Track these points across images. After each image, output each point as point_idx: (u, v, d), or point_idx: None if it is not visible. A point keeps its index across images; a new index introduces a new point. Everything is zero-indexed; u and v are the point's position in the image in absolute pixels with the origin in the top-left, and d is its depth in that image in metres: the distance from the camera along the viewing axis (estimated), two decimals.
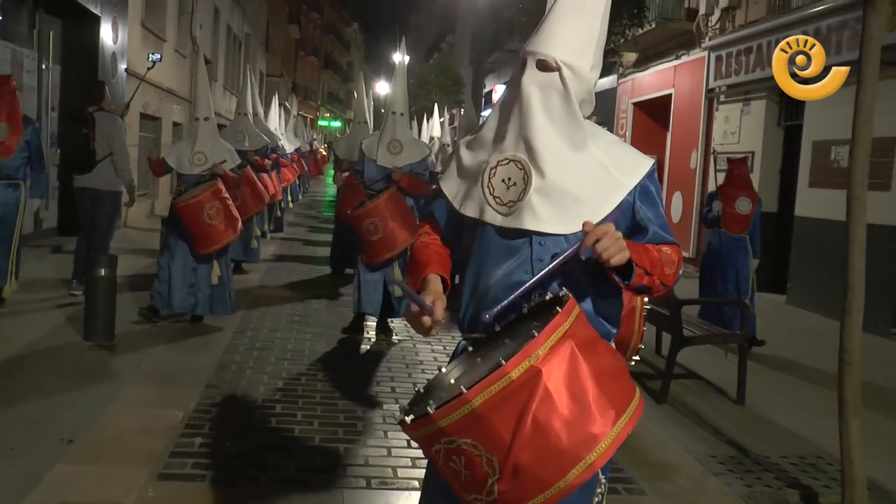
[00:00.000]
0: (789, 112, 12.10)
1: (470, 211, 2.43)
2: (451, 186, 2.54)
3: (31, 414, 4.89)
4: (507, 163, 2.34)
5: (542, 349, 1.88)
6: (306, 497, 4.10)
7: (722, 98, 13.74)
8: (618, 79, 18.37)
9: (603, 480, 2.25)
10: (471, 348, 2.30)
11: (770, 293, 11.21)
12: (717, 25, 13.90)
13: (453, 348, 2.61)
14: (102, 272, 6.59)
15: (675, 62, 15.52)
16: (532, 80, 2.31)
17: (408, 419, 1.94)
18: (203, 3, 22.02)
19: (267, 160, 11.32)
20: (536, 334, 1.88)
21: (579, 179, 2.32)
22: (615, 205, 2.33)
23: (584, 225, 2.17)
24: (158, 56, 12.68)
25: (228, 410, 5.30)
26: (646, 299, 3.87)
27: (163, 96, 17.78)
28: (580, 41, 2.33)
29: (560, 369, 1.89)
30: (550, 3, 2.39)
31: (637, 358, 4.00)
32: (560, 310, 1.96)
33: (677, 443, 5.37)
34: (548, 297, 2.18)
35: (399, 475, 4.45)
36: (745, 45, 12.76)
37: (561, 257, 2.20)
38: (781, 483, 4.81)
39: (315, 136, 39.61)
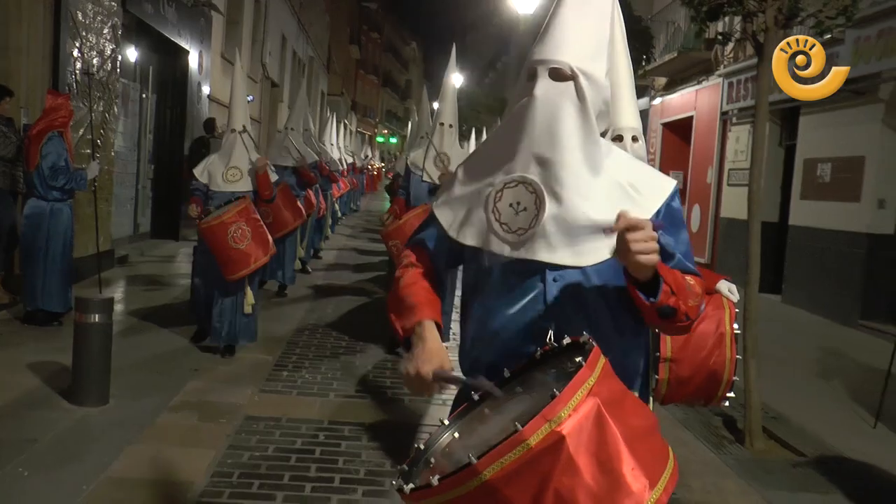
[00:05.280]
0: (789, 133, 13.65)
1: (470, 239, 2.16)
2: (446, 213, 2.25)
3: (163, 353, 6.86)
4: (516, 185, 2.07)
5: (565, 410, 1.62)
6: (368, 407, 5.93)
7: (734, 120, 15.32)
8: (649, 101, 20.02)
9: None
10: (476, 397, 1.99)
11: (769, 293, 12.73)
12: (731, 55, 15.50)
13: None
14: None
15: (697, 87, 17.14)
16: (545, 91, 2.05)
17: (406, 489, 1.71)
18: (272, 32, 24.23)
19: (314, 175, 10.67)
20: (557, 393, 1.62)
21: (598, 204, 2.03)
22: None
23: (618, 217, 1.87)
24: (251, 97, 14.74)
25: (304, 357, 7.20)
26: (735, 325, 3.56)
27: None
28: (593, 45, 2.09)
29: (585, 433, 1.65)
30: (553, 6, 2.17)
31: (732, 395, 3.66)
32: (584, 362, 1.71)
33: None
34: (565, 342, 1.91)
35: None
36: (753, 73, 14.31)
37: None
38: (712, 413, 6.48)
39: (371, 154, 41.39)
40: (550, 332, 1.97)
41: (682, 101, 18.09)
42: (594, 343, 1.79)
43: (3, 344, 6.77)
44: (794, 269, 12.65)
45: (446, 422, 1.97)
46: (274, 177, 7.37)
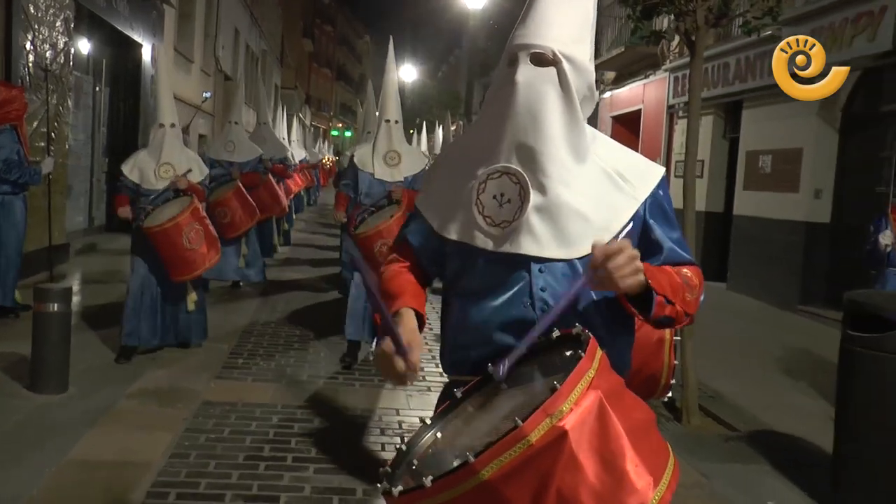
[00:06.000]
0: (733, 126, 14.07)
1: (454, 234, 2.09)
2: (429, 208, 2.20)
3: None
4: (499, 176, 2.01)
5: (567, 404, 1.55)
6: (320, 392, 6.14)
7: (680, 113, 15.73)
8: (599, 94, 20.41)
9: None
10: (459, 394, 1.93)
11: (716, 281, 13.12)
12: (677, 50, 15.89)
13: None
14: None
15: (644, 81, 17.56)
16: (527, 77, 1.97)
17: (395, 491, 1.62)
18: (225, 25, 24.19)
19: (258, 173, 10.40)
20: (558, 386, 1.56)
21: (585, 193, 2.00)
22: (626, 220, 2.03)
23: (592, 247, 1.83)
24: (209, 93, 14.79)
25: (259, 345, 7.40)
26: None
27: (190, 112, 19.94)
28: (576, 28, 2.03)
29: (587, 428, 1.59)
30: None
31: (670, 394, 3.70)
32: (582, 353, 1.65)
33: None
34: (554, 335, 1.85)
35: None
36: None
37: (572, 289, 1.88)
38: None
39: (326, 148, 41.22)
40: (541, 329, 1.89)
41: (630, 94, 18.50)
42: (590, 334, 1.74)
43: None
44: (739, 257, 13.09)
45: (428, 421, 1.90)
46: (205, 170, 7.02)
